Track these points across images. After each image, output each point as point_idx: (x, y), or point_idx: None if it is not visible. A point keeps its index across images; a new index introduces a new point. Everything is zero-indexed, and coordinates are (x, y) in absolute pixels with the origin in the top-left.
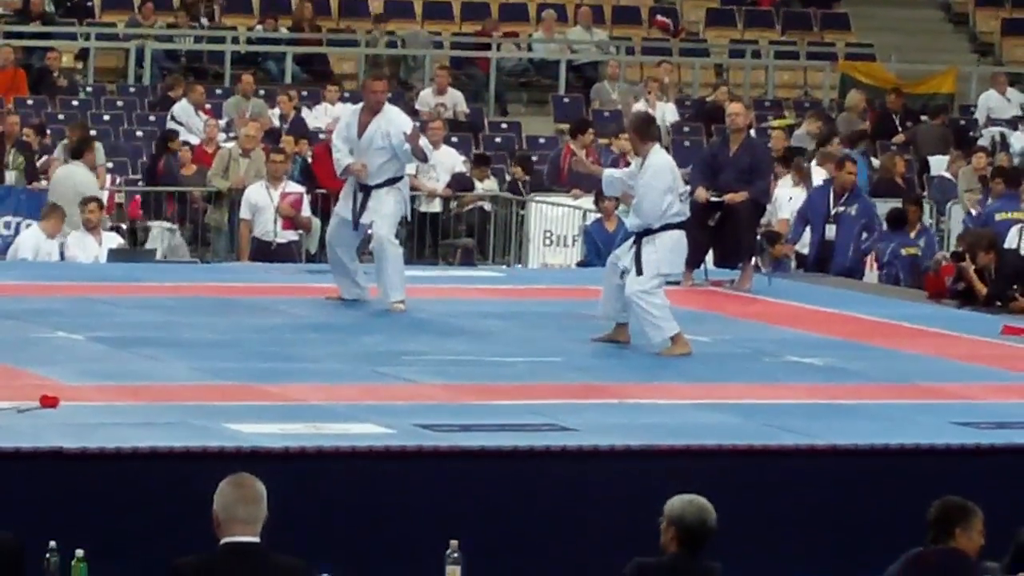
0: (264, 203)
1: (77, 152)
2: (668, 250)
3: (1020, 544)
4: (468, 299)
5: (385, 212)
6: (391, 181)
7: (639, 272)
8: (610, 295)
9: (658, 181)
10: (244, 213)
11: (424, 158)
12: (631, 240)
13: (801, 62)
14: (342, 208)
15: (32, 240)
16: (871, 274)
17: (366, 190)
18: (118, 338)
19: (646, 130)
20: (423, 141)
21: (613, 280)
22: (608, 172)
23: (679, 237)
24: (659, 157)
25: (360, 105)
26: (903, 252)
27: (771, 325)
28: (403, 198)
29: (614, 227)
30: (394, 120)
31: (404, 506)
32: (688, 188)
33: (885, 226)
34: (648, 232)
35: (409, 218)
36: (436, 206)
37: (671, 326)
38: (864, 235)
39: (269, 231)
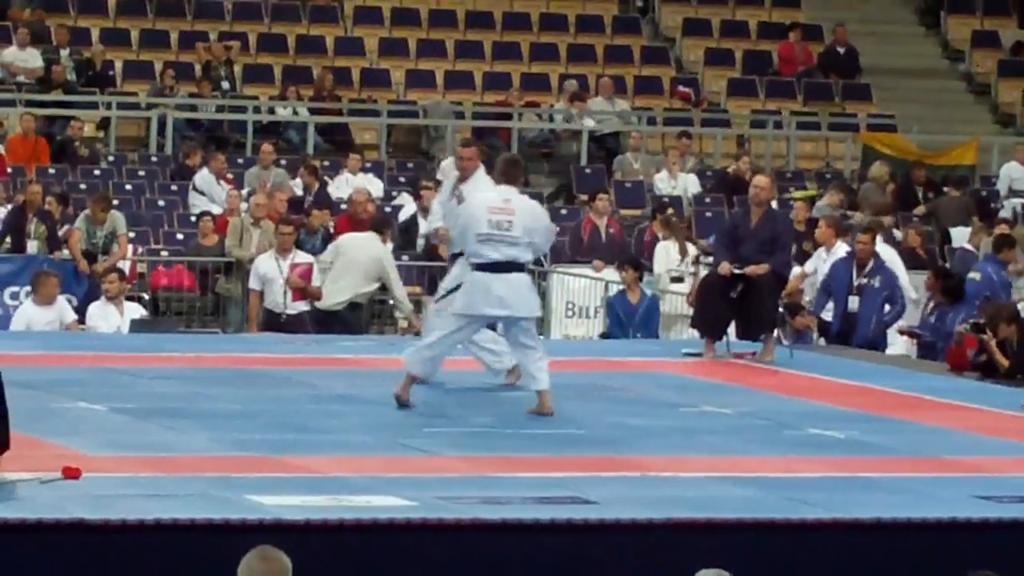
0: (273, 274)
1: (378, 225)
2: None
3: None
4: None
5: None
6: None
7: None
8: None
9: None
10: (253, 284)
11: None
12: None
13: (823, 133)
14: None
15: (25, 316)
16: (894, 346)
17: (453, 257)
18: (140, 409)
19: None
20: None
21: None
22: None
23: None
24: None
25: None
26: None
27: (793, 397)
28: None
29: (637, 299)
30: (477, 186)
31: None
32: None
33: (930, 298)
34: None
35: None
36: None
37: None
38: (887, 307)
39: (279, 303)
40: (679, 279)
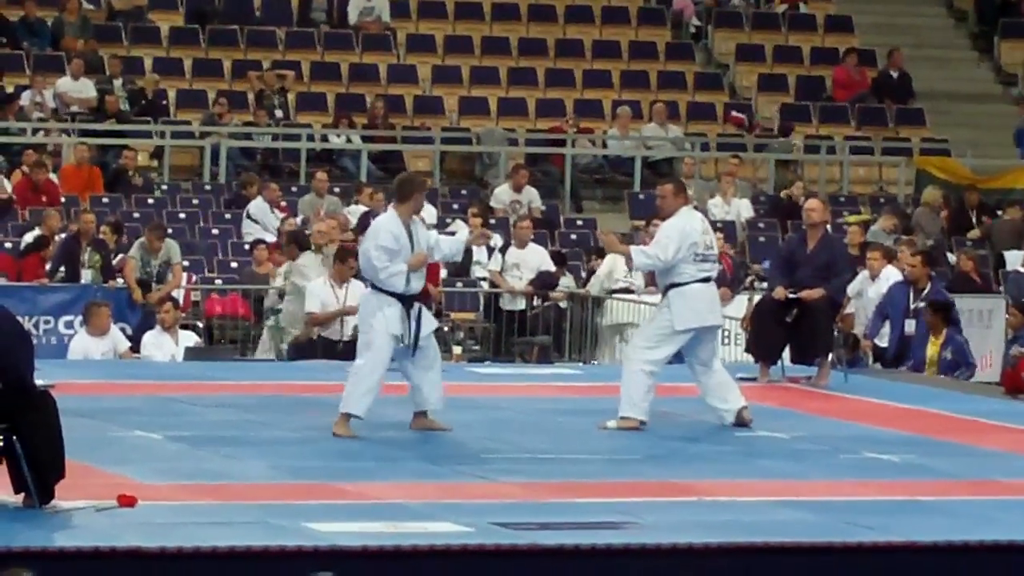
0: (330, 302)
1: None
2: None
3: None
4: (545, 396)
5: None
6: (669, 286)
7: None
8: None
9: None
10: (312, 307)
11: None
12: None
13: (876, 157)
14: None
15: (81, 346)
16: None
17: None
18: (196, 436)
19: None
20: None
21: None
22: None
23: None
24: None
25: None
26: None
27: (848, 421)
28: (669, 308)
29: None
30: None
31: None
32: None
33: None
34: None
35: None
36: (520, 304)
37: None
38: None
39: (335, 330)
40: (628, 290)
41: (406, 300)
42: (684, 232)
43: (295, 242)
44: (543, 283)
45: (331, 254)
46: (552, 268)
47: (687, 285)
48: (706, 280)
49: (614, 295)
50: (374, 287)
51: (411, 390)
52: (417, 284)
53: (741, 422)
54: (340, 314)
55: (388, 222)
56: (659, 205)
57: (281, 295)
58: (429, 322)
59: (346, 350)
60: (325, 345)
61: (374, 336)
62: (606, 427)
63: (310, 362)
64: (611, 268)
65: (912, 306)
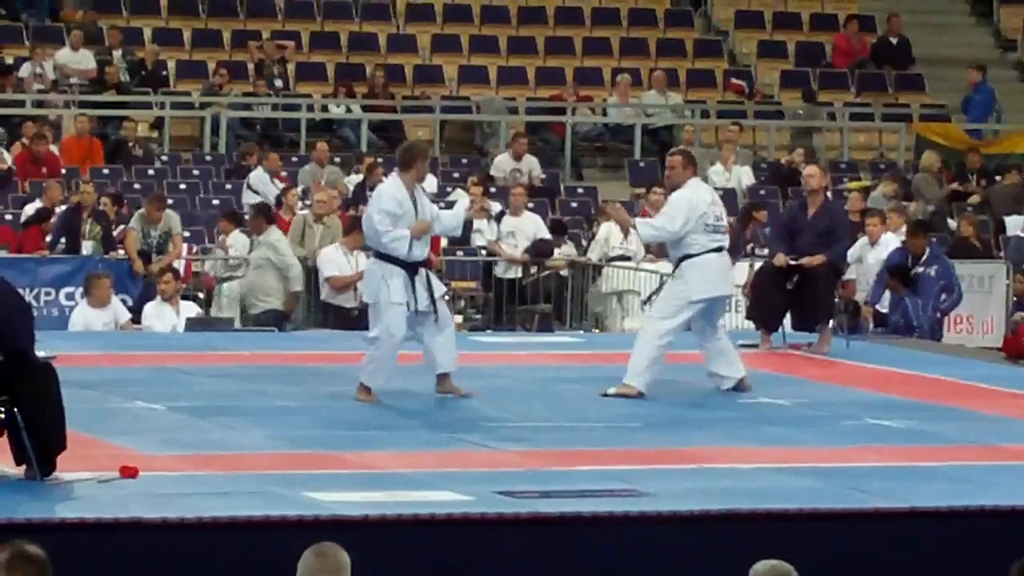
0: (345, 269)
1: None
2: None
3: None
4: (546, 365)
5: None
6: (682, 258)
7: None
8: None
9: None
10: (331, 271)
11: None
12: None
13: (876, 124)
14: None
15: (82, 317)
16: (951, 335)
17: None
18: (197, 407)
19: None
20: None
21: None
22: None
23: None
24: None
25: None
26: None
27: (849, 388)
28: (683, 278)
29: None
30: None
31: (484, 574)
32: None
33: None
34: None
35: None
36: (517, 272)
37: None
38: (943, 296)
39: (348, 297)
40: (625, 257)
41: (410, 267)
42: (692, 204)
43: (262, 215)
44: (539, 251)
45: (334, 225)
46: (548, 236)
47: (700, 256)
48: (718, 250)
49: (612, 263)
50: (378, 255)
51: (425, 354)
52: (420, 252)
53: (741, 390)
54: (358, 278)
55: (392, 188)
56: (668, 176)
57: (228, 264)
58: (438, 286)
59: (360, 317)
60: (337, 311)
61: (383, 308)
62: (607, 394)
63: (315, 331)
64: (607, 235)
65: (912, 272)
